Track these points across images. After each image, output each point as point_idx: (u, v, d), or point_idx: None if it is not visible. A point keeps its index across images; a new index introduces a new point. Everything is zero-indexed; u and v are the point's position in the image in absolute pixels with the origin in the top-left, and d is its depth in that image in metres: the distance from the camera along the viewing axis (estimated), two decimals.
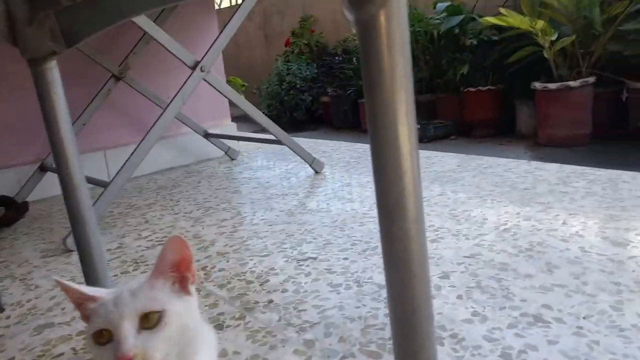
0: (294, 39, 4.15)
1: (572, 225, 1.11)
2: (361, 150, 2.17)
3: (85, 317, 0.50)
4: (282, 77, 3.84)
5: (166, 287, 0.50)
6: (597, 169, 1.47)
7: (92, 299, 0.50)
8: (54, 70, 0.76)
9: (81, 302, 0.50)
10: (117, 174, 1.45)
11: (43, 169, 1.92)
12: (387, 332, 0.77)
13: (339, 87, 3.60)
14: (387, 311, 0.83)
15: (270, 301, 0.92)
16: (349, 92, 3.44)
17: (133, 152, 1.48)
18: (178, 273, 0.52)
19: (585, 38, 2.49)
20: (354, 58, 3.56)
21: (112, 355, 0.45)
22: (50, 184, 1.93)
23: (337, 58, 3.79)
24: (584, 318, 0.76)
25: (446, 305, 0.84)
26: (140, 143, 1.49)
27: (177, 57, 1.55)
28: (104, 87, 2.03)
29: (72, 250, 1.29)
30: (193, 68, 1.57)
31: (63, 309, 0.98)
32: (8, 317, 0.97)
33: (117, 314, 0.46)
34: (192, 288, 0.53)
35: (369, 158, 0.41)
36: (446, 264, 0.98)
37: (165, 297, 0.49)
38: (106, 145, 2.12)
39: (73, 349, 0.83)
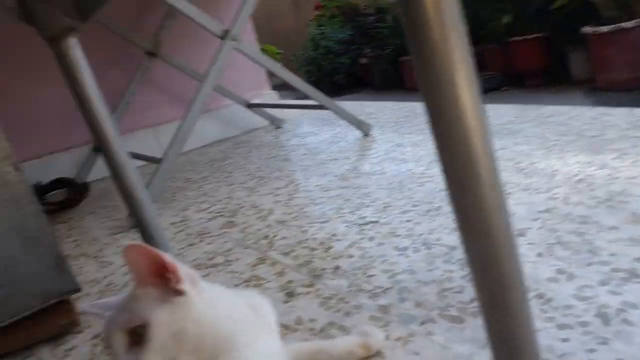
0: (324, 2, 4.04)
1: None
2: (408, 109, 2.09)
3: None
4: (317, 42, 3.75)
5: (151, 295, 0.46)
6: None
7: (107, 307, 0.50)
8: (75, 49, 0.73)
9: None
10: (166, 149, 1.45)
11: (96, 149, 1.95)
12: (466, 296, 0.73)
13: (376, 47, 3.50)
14: (462, 273, 0.79)
15: (337, 267, 0.90)
16: (387, 51, 3.33)
17: (179, 127, 1.48)
18: (156, 279, 0.46)
19: None
20: (389, 16, 3.43)
21: None
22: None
23: (371, 17, 3.66)
24: None
25: (527, 264, 0.79)
26: (184, 118, 1.48)
27: (204, 28, 1.50)
28: (141, 65, 2.03)
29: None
30: (222, 37, 1.53)
31: None
32: (88, 295, 1.00)
33: (108, 329, 0.46)
34: (186, 285, 0.46)
35: (418, 116, 0.36)
36: (520, 221, 0.93)
37: (147, 308, 0.44)
38: (154, 122, 2.13)
39: None
